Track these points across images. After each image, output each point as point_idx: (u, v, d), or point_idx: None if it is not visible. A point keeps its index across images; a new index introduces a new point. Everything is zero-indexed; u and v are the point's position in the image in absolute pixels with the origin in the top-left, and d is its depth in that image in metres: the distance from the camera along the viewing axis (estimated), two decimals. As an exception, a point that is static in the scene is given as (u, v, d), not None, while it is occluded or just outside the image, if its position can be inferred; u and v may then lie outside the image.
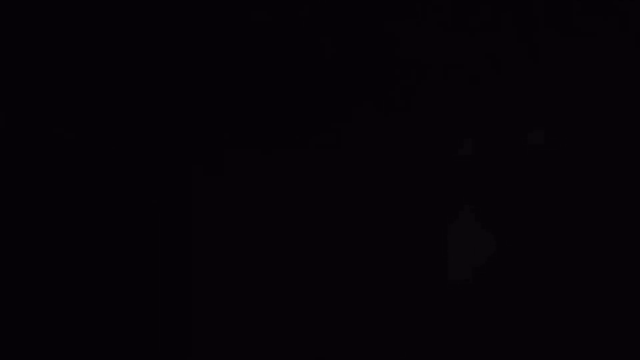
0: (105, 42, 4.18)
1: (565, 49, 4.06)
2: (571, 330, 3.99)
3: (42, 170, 4.13)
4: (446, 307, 4.08)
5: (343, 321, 4.12)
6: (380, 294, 4.11)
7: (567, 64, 4.06)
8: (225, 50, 4.19)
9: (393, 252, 4.12)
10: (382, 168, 4.15)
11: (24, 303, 4.08)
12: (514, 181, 4.07)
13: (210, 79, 4.21)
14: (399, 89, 4.15)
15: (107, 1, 4.16)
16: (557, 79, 4.06)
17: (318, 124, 4.18)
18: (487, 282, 4.06)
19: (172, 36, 4.18)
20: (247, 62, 4.20)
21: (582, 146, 4.04)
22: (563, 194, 4.04)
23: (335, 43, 4.15)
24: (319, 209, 4.17)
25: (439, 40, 4.11)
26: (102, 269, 4.16)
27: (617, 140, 4.02)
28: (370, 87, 4.16)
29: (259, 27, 4.15)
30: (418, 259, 4.10)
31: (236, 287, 4.18)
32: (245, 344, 4.16)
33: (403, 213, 4.12)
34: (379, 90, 4.16)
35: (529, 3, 4.06)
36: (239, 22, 4.16)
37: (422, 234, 4.10)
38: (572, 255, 4.01)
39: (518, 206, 4.06)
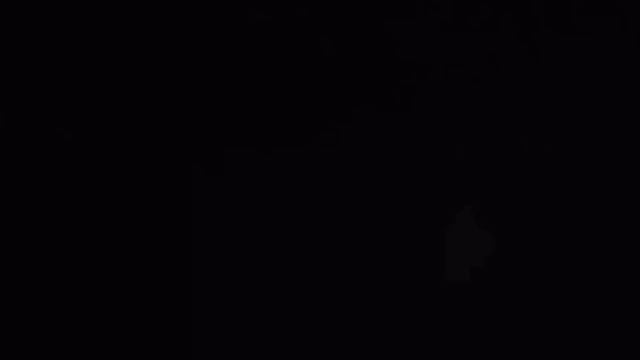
0: (105, 42, 4.18)
1: (565, 49, 4.06)
2: (569, 331, 3.99)
3: (42, 170, 4.13)
4: (444, 307, 4.08)
5: (342, 321, 4.12)
6: (379, 294, 4.11)
7: (567, 64, 4.06)
8: (225, 50, 4.19)
9: (392, 252, 4.12)
10: (381, 168, 4.15)
11: (24, 303, 4.08)
12: (513, 181, 4.07)
13: (210, 79, 4.21)
14: (399, 89, 4.15)
15: (107, 1, 4.16)
16: (557, 79, 4.07)
17: (318, 124, 4.18)
18: (485, 282, 4.06)
19: (172, 36, 4.19)
20: (247, 62, 4.20)
21: (582, 146, 4.04)
22: (562, 194, 4.04)
23: (335, 43, 4.15)
24: (318, 209, 4.17)
25: (439, 40, 4.11)
26: (103, 269, 4.16)
27: (617, 140, 4.02)
28: (370, 87, 4.16)
29: (259, 27, 4.15)
30: (417, 259, 4.10)
31: (236, 287, 4.18)
32: (245, 344, 4.16)
33: (402, 213, 4.13)
34: (379, 90, 4.16)
35: (529, 3, 4.06)
36: (239, 22, 4.16)
37: (422, 234, 4.11)
38: (571, 255, 4.02)
39: (517, 206, 4.06)
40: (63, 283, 4.12)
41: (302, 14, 4.13)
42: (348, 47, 4.16)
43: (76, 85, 4.18)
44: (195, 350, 4.18)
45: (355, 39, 4.15)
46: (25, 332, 4.08)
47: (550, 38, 4.06)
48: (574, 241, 4.01)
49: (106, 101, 4.20)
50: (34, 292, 4.10)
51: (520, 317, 4.02)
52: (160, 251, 4.21)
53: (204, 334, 4.18)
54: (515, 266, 4.04)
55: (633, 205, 3.98)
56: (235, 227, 4.20)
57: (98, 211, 4.17)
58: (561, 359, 3.99)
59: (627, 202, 3.99)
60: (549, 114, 4.07)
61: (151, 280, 4.19)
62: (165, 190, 4.21)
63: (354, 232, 4.14)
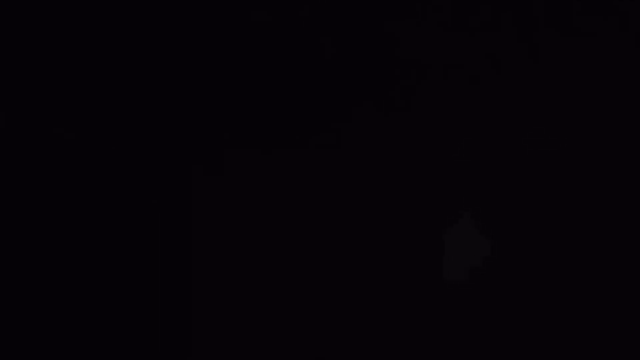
0: (105, 42, 4.18)
1: (565, 49, 4.06)
2: (569, 331, 3.99)
3: (42, 170, 4.13)
4: (443, 307, 4.08)
5: (342, 321, 4.12)
6: (378, 294, 4.11)
7: (567, 64, 4.06)
8: (225, 50, 4.19)
9: (392, 252, 4.12)
10: (381, 168, 4.15)
11: (24, 303, 4.08)
12: (513, 181, 4.07)
13: (210, 79, 4.21)
14: (399, 89, 4.15)
15: (107, 1, 4.16)
16: (557, 79, 4.06)
17: (318, 124, 4.18)
18: (484, 282, 4.06)
19: (172, 36, 4.18)
20: (247, 62, 4.20)
21: (582, 146, 4.04)
22: (562, 194, 4.04)
23: (335, 43, 4.15)
24: (318, 209, 4.17)
25: (439, 40, 4.11)
26: (103, 269, 4.16)
27: (617, 141, 4.02)
28: (370, 87, 4.16)
29: (259, 27, 4.15)
30: (417, 259, 4.10)
31: (236, 287, 4.18)
32: (245, 344, 4.16)
33: (402, 213, 4.12)
34: (379, 90, 4.16)
35: (529, 3, 4.06)
36: (239, 22, 4.16)
37: (421, 234, 4.10)
38: (571, 255, 4.01)
39: (517, 206, 4.06)
40: (63, 283, 4.12)
41: (302, 14, 4.13)
42: (348, 47, 4.16)
43: (76, 85, 4.18)
44: (195, 350, 4.17)
45: (355, 39, 4.15)
46: (25, 332, 4.08)
47: (550, 38, 4.06)
48: (574, 241, 4.01)
49: (106, 101, 4.20)
50: (34, 292, 4.10)
51: (520, 317, 4.02)
52: (160, 251, 4.21)
53: (204, 334, 4.18)
54: (515, 266, 4.04)
55: (633, 205, 3.98)
56: (235, 227, 4.20)
57: (98, 211, 4.17)
58: (561, 359, 3.99)
59: (627, 202, 3.99)
60: (549, 114, 4.07)
61: (151, 280, 4.19)
62: (165, 190, 4.21)
63: (354, 232, 4.14)
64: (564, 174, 4.04)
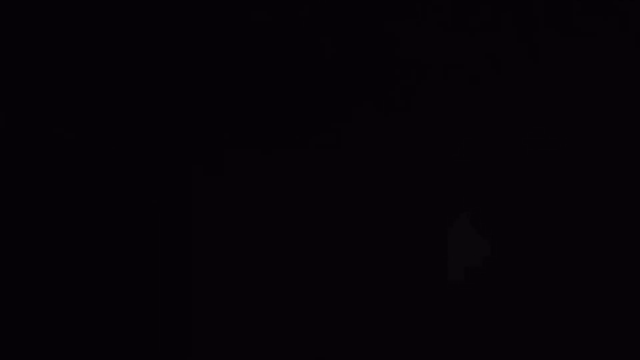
0: (105, 42, 4.18)
1: (565, 49, 4.06)
2: (569, 331, 3.99)
3: (42, 170, 4.13)
4: (445, 307, 4.08)
5: (343, 321, 4.12)
6: (379, 294, 4.11)
7: (567, 64, 4.06)
8: (225, 50, 4.19)
9: (392, 252, 4.12)
10: (381, 168, 4.15)
11: (24, 303, 4.08)
12: (513, 181, 4.07)
13: (210, 79, 4.21)
14: (399, 89, 4.15)
15: (107, 1, 4.16)
16: (557, 79, 4.06)
17: (318, 124, 4.18)
18: (485, 282, 4.06)
19: (172, 36, 4.18)
20: (247, 62, 4.20)
21: (582, 146, 4.04)
22: (562, 194, 4.04)
23: (335, 43, 4.15)
24: (319, 209, 4.17)
25: (439, 40, 4.11)
26: (103, 269, 4.16)
27: (617, 140, 4.02)
28: (370, 87, 4.16)
29: (259, 27, 4.15)
30: (417, 259, 4.10)
31: (236, 287, 4.18)
32: (245, 344, 4.16)
33: (402, 213, 4.13)
34: (379, 90, 4.16)
35: (529, 3, 4.06)
36: (239, 22, 4.16)
37: (422, 234, 4.11)
38: (571, 255, 4.02)
39: (517, 206, 4.06)
40: (63, 283, 4.12)
41: (302, 14, 4.13)
42: (348, 47, 4.16)
43: (76, 85, 4.18)
44: (195, 350, 4.18)
45: (355, 39, 4.15)
46: (25, 332, 4.08)
47: (550, 38, 4.06)
48: (574, 241, 4.01)
49: (106, 101, 4.20)
50: (34, 292, 4.10)
51: (521, 317, 4.02)
52: (160, 251, 4.21)
53: (204, 334, 4.18)
54: (515, 266, 4.04)
55: (633, 205, 3.98)
56: (235, 227, 4.20)
57: (98, 211, 4.17)
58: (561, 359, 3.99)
59: (628, 202, 3.99)
60: (549, 114, 4.07)
61: (151, 280, 4.19)
62: (165, 190, 4.21)
63: (354, 232, 4.14)
64: (564, 174, 4.04)
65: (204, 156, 4.22)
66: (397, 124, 4.15)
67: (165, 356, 4.17)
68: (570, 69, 4.05)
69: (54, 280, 4.12)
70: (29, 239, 4.11)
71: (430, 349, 4.07)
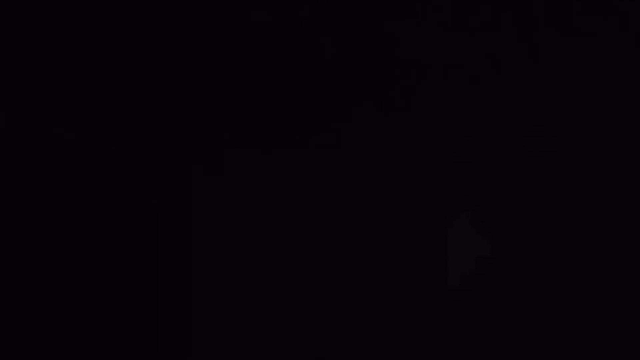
0: (105, 42, 4.18)
1: (565, 49, 4.06)
2: (569, 331, 3.99)
3: (42, 170, 4.13)
4: (445, 308, 4.08)
5: (342, 321, 4.12)
6: (379, 294, 4.11)
7: (567, 64, 4.06)
8: (225, 50, 4.19)
9: (392, 252, 4.12)
10: (382, 168, 4.15)
11: (24, 303, 4.08)
12: (513, 181, 4.07)
13: (210, 79, 4.21)
14: (399, 89, 4.15)
15: (107, 1, 4.16)
16: (557, 79, 4.07)
17: (318, 124, 4.18)
18: (485, 282, 4.06)
19: (172, 36, 4.19)
20: (247, 62, 4.20)
21: (582, 146, 4.04)
22: (563, 194, 4.04)
23: (335, 43, 4.15)
24: (319, 209, 4.17)
25: (439, 40, 4.11)
26: (103, 269, 4.16)
27: (617, 140, 4.02)
28: (370, 87, 4.16)
29: (259, 27, 4.15)
30: (417, 259, 4.10)
31: (236, 287, 4.18)
32: (245, 344, 4.16)
33: (402, 213, 4.13)
34: (379, 90, 4.16)
35: (529, 3, 4.06)
36: (238, 22, 4.16)
37: (422, 235, 4.11)
38: (571, 255, 4.02)
39: (518, 206, 4.06)
40: (63, 283, 4.12)
41: (302, 14, 4.13)
42: (348, 47, 4.16)
43: (76, 85, 4.18)
44: (195, 350, 4.18)
45: (355, 39, 4.15)
46: (25, 332, 4.08)
47: (550, 38, 4.06)
48: (574, 241, 4.01)
49: (106, 101, 4.20)
50: (34, 292, 4.10)
51: (521, 317, 4.02)
52: (160, 251, 4.21)
53: (204, 334, 4.18)
54: (516, 266, 4.04)
55: (633, 205, 3.98)
56: (235, 227, 4.20)
57: (98, 211, 4.17)
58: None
59: (628, 202, 3.99)
60: (549, 114, 4.07)
61: (151, 280, 4.19)
62: (165, 190, 4.21)
63: (354, 232, 4.14)
64: (564, 174, 4.04)
65: (204, 156, 4.22)
66: (397, 124, 4.15)
67: (165, 356, 4.17)
68: (570, 69, 4.05)
69: (55, 280, 4.12)
70: (30, 239, 4.11)
71: (430, 349, 4.07)
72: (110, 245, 4.16)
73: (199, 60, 4.20)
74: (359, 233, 4.14)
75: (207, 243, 4.21)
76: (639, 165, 3.99)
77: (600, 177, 4.01)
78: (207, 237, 4.21)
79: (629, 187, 3.99)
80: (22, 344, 4.07)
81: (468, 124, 4.11)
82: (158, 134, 4.22)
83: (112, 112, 4.20)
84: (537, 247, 4.03)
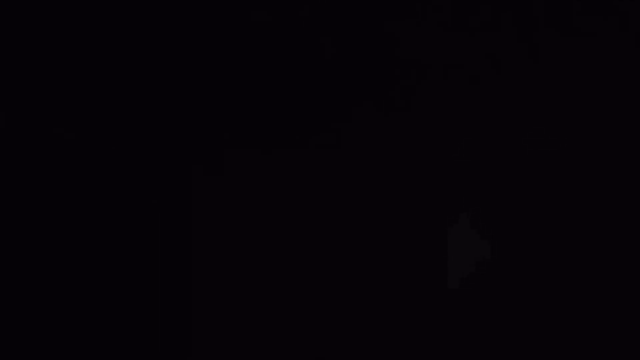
0: (105, 42, 4.18)
1: (565, 49, 4.06)
2: (570, 332, 3.99)
3: (42, 170, 4.13)
4: (444, 308, 4.08)
5: (342, 321, 4.12)
6: (379, 294, 4.11)
7: (567, 63, 4.06)
8: (225, 50, 4.19)
9: (392, 252, 4.12)
10: (381, 168, 4.15)
11: (24, 303, 4.08)
12: (513, 181, 4.07)
13: (210, 79, 4.21)
14: (399, 89, 4.15)
15: (107, 1, 4.16)
16: (557, 79, 4.07)
17: (318, 124, 4.18)
18: (485, 282, 4.06)
19: (172, 36, 4.19)
20: (247, 62, 4.20)
21: (582, 146, 4.04)
22: (563, 194, 4.04)
23: (335, 43, 4.15)
24: (318, 209, 4.17)
25: (439, 40, 4.11)
26: (102, 269, 4.16)
27: (617, 140, 4.02)
28: (370, 87, 4.16)
29: (259, 27, 4.16)
30: (417, 259, 4.10)
31: (236, 287, 4.18)
32: (245, 344, 4.16)
33: (402, 213, 4.13)
34: (379, 90, 4.16)
35: (529, 3, 4.06)
36: (239, 22, 4.16)
37: (422, 234, 4.11)
38: (571, 255, 4.02)
39: (517, 207, 4.06)
40: (63, 283, 4.12)
41: (302, 14, 4.13)
42: (348, 47, 4.16)
43: (76, 85, 4.18)
44: (195, 350, 4.18)
45: (355, 39, 4.15)
46: (25, 332, 4.08)
47: (550, 38, 4.06)
48: (574, 241, 4.01)
49: (106, 101, 4.20)
50: (34, 292, 4.10)
51: (521, 317, 4.02)
52: (160, 251, 4.21)
53: (204, 334, 4.18)
54: (516, 266, 4.04)
55: (633, 205, 3.98)
56: (235, 227, 4.20)
57: (98, 211, 4.17)
58: None
59: (628, 202, 3.99)
60: (549, 114, 4.07)
61: (151, 280, 4.19)
62: (165, 190, 4.21)
63: (354, 232, 4.14)
64: (564, 174, 4.04)
65: (204, 156, 4.22)
66: (397, 124, 4.15)
67: (165, 356, 4.17)
68: (571, 68, 4.05)
69: (54, 280, 4.12)
70: (29, 239, 4.11)
71: (430, 349, 4.07)
72: (111, 245, 4.16)
73: (199, 60, 4.20)
74: (359, 233, 4.14)
75: (207, 243, 4.20)
76: (639, 165, 3.99)
77: (600, 177, 4.01)
78: (207, 237, 4.21)
79: (629, 187, 3.99)
80: (22, 344, 4.07)
81: (468, 124, 4.11)
82: (158, 134, 4.22)
83: (112, 112, 4.20)
84: (537, 248, 4.03)
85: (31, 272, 4.10)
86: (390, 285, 4.10)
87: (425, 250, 4.10)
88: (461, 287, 4.07)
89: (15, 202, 4.10)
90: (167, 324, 4.18)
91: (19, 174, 4.11)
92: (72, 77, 4.18)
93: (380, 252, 4.12)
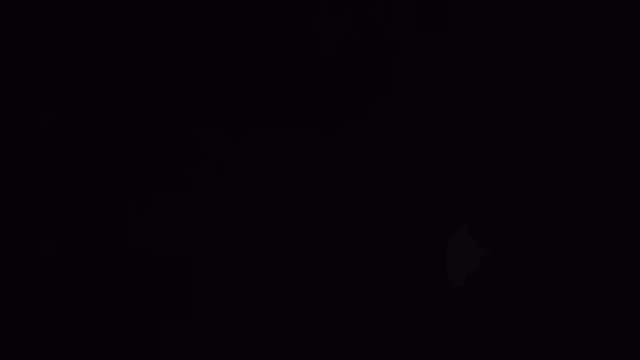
0: (103, 41, 4.18)
1: (565, 48, 4.07)
2: (571, 333, 3.99)
3: (42, 170, 4.13)
4: (444, 308, 4.08)
5: (342, 321, 4.12)
6: (379, 294, 4.11)
7: (567, 63, 4.07)
8: (225, 50, 4.19)
9: (392, 252, 4.12)
10: (381, 168, 4.15)
11: (23, 303, 4.08)
12: (513, 182, 4.07)
13: (210, 79, 4.21)
14: (398, 89, 4.15)
15: (106, 1, 4.16)
16: (557, 79, 4.07)
17: (318, 123, 4.18)
18: (484, 284, 4.06)
19: (172, 36, 4.19)
20: (247, 62, 4.20)
21: (582, 146, 4.05)
22: (563, 194, 4.05)
23: (335, 43, 4.16)
24: (318, 209, 4.17)
25: (438, 39, 4.12)
26: (103, 269, 4.15)
27: (617, 140, 4.03)
28: (370, 87, 4.16)
29: (259, 27, 4.16)
30: (417, 260, 4.10)
31: (236, 287, 4.18)
32: (245, 344, 4.16)
33: (401, 214, 4.13)
34: (378, 90, 4.16)
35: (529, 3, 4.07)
36: (238, 22, 4.17)
37: (422, 235, 4.11)
38: (572, 256, 4.02)
39: (518, 207, 4.07)
40: (63, 283, 4.12)
41: (302, 14, 4.14)
42: (348, 47, 4.16)
43: (76, 85, 4.18)
44: (195, 349, 4.17)
45: (355, 39, 4.15)
46: (24, 332, 4.07)
47: (550, 38, 4.06)
48: (575, 241, 4.02)
49: (106, 101, 4.20)
50: (33, 292, 4.09)
51: (521, 317, 4.02)
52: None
53: (203, 334, 4.17)
54: (515, 266, 4.04)
55: (634, 205, 3.99)
56: (234, 227, 4.20)
57: (98, 211, 4.16)
58: None
59: (628, 202, 3.99)
60: (549, 114, 4.07)
61: (151, 280, 4.18)
62: (165, 190, 4.21)
63: (353, 233, 4.14)
64: (564, 174, 4.04)
65: (204, 156, 4.22)
66: (396, 124, 4.15)
67: (165, 356, 4.16)
68: (571, 68, 4.06)
69: (54, 280, 4.11)
70: (29, 239, 4.10)
71: (430, 350, 4.07)
72: (111, 245, 4.16)
73: (199, 60, 4.21)
74: (358, 233, 4.14)
75: (207, 243, 4.20)
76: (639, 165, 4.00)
77: (600, 177, 4.02)
78: (206, 236, 4.20)
79: (629, 187, 4.00)
80: (21, 344, 4.07)
81: (468, 123, 4.11)
82: (158, 133, 4.21)
83: (111, 112, 4.20)
84: (537, 248, 4.04)
85: (31, 271, 4.10)
86: (391, 286, 4.10)
87: (425, 251, 4.10)
88: (460, 288, 4.07)
89: (15, 201, 4.09)
90: (166, 324, 4.17)
91: (19, 173, 4.11)
92: (71, 77, 4.18)
93: (380, 253, 4.12)
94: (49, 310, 4.11)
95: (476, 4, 4.10)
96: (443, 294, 4.08)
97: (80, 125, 4.18)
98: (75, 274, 4.13)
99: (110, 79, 4.20)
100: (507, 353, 4.02)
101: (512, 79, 4.10)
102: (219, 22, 4.18)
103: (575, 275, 4.01)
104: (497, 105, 4.11)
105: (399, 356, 4.08)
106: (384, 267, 4.12)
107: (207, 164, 4.21)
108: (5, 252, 4.11)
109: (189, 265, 4.20)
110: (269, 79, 4.20)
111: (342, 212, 4.16)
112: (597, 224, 4.01)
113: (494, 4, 4.09)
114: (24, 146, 4.15)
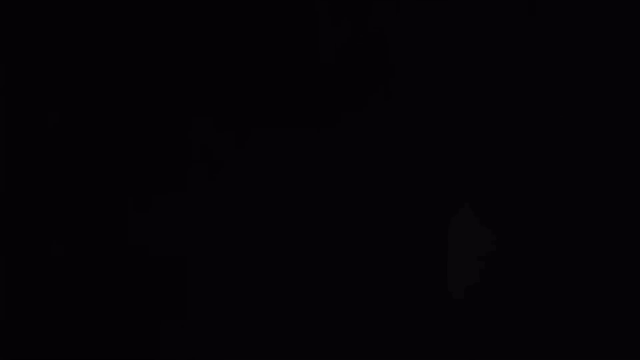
0: (103, 41, 4.18)
1: (565, 48, 4.06)
2: (572, 331, 3.99)
3: (41, 170, 4.13)
4: (443, 307, 4.07)
5: (342, 321, 4.12)
6: (379, 293, 4.11)
7: (567, 63, 4.06)
8: (225, 50, 4.19)
9: (392, 252, 4.11)
10: (381, 168, 4.15)
11: (23, 303, 4.08)
12: (513, 181, 4.07)
13: (210, 78, 4.21)
14: (398, 89, 4.15)
15: (111, 3, 4.16)
16: (557, 78, 4.07)
17: (318, 123, 4.18)
18: (485, 282, 4.06)
19: (172, 36, 4.19)
20: (246, 62, 4.20)
21: (582, 146, 4.04)
22: (563, 194, 4.04)
23: (335, 44, 4.16)
24: (317, 209, 4.17)
25: (438, 39, 4.12)
26: (102, 269, 4.15)
27: (617, 140, 4.02)
28: (369, 87, 4.16)
29: (259, 27, 4.16)
30: (417, 259, 4.10)
31: (235, 287, 4.18)
32: (245, 344, 4.16)
33: (402, 213, 4.12)
34: (378, 91, 4.16)
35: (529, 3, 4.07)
36: (238, 22, 4.16)
37: (422, 234, 4.10)
38: (571, 255, 4.01)
39: (517, 207, 4.06)
40: (62, 283, 4.12)
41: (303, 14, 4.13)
42: (347, 47, 4.16)
43: (76, 85, 4.18)
44: (195, 349, 4.17)
45: (354, 39, 4.15)
46: (24, 332, 4.07)
47: (550, 37, 4.06)
48: (575, 241, 4.01)
49: (105, 101, 4.20)
50: (33, 292, 4.10)
51: (521, 317, 4.02)
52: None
53: (202, 334, 4.17)
54: (515, 267, 4.04)
55: (634, 205, 3.98)
56: (234, 226, 4.20)
57: (97, 211, 4.17)
58: None
59: (628, 202, 3.99)
60: (549, 114, 4.07)
61: (151, 280, 4.18)
62: (164, 190, 4.21)
63: (353, 232, 4.14)
64: (563, 174, 4.04)
65: (204, 156, 4.22)
66: (397, 124, 4.15)
67: (165, 356, 4.17)
68: (571, 68, 4.05)
69: (53, 280, 4.12)
70: (29, 239, 4.11)
71: (429, 350, 4.06)
72: (110, 245, 4.16)
73: (199, 60, 4.21)
74: (358, 233, 4.13)
75: (207, 243, 4.20)
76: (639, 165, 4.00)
77: (600, 177, 4.01)
78: (206, 236, 4.20)
79: (629, 187, 3.99)
80: (21, 344, 4.07)
81: (468, 123, 4.11)
82: (157, 133, 4.22)
83: (111, 112, 4.20)
84: (537, 248, 4.03)
85: (31, 271, 4.10)
86: (391, 285, 4.10)
87: (425, 250, 4.10)
88: (460, 288, 4.07)
89: (15, 201, 4.09)
90: (165, 324, 4.18)
91: (19, 173, 4.11)
92: (71, 77, 4.18)
93: (380, 252, 4.12)
94: (49, 310, 4.11)
95: (475, 12, 4.10)
96: (443, 293, 4.08)
97: (82, 126, 4.18)
98: (75, 273, 4.14)
99: (112, 81, 4.20)
100: (507, 353, 4.02)
101: (512, 79, 4.09)
102: (223, 29, 4.18)
103: (576, 275, 4.01)
104: (496, 109, 4.11)
105: (399, 356, 4.08)
106: (383, 267, 4.12)
107: (207, 165, 4.22)
108: (5, 250, 4.12)
109: (189, 264, 4.20)
110: (271, 85, 4.20)
111: (342, 212, 4.16)
112: (597, 225, 4.01)
113: (495, 8, 4.09)
114: (30, 145, 4.15)
